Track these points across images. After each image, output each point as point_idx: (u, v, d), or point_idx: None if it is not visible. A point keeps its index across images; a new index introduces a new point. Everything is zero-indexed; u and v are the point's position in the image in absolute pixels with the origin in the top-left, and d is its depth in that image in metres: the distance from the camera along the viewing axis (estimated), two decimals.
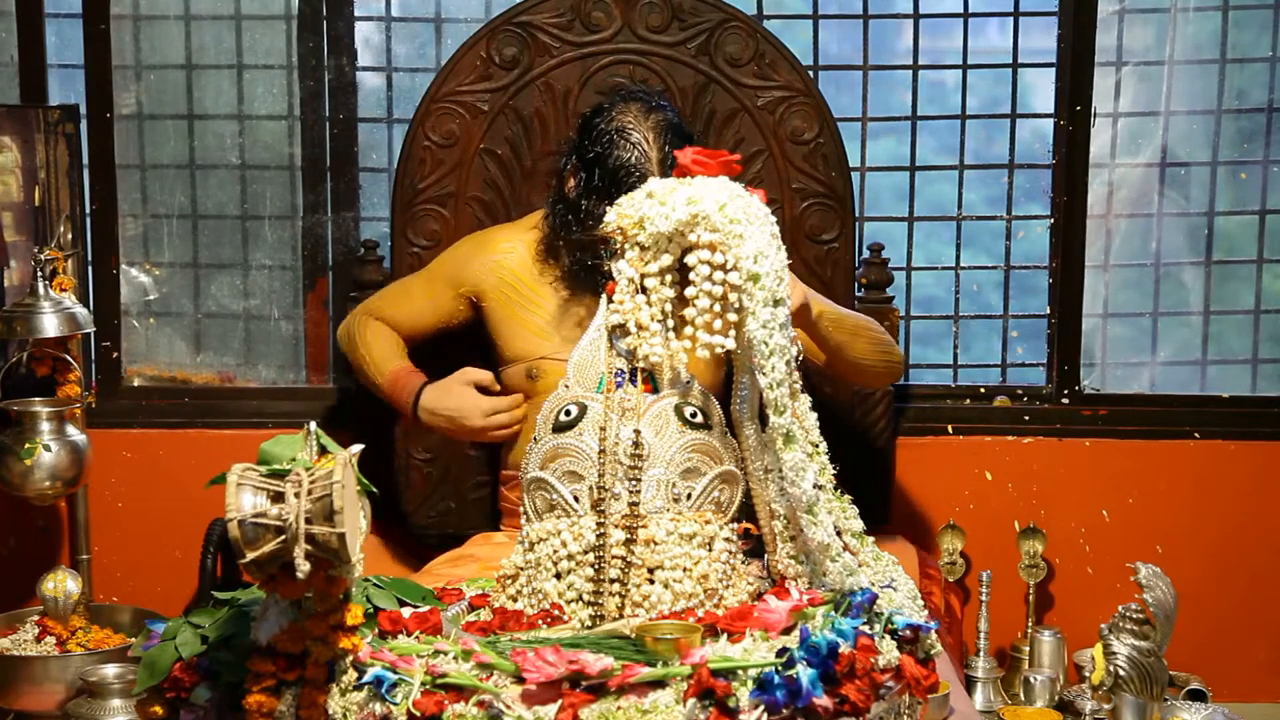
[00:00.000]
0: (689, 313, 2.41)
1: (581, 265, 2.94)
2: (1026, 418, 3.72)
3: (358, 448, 2.09)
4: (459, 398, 3.01)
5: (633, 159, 2.86)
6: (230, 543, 1.96)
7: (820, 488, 2.40)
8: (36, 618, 3.30)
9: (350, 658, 2.11)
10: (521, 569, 2.56)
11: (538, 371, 2.97)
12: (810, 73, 3.52)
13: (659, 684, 2.08)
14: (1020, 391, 3.75)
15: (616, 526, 2.49)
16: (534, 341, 2.99)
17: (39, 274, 3.30)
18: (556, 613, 2.45)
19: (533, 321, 3.00)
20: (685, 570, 2.47)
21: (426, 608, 2.39)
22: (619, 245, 2.50)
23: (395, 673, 2.10)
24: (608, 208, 2.65)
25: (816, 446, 2.47)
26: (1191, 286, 3.83)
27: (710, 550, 2.50)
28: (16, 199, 3.51)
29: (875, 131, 3.76)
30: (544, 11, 3.33)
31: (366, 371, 3.13)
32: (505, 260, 3.05)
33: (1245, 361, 3.85)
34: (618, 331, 2.59)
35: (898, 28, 3.77)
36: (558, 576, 2.49)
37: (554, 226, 2.98)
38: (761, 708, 2.05)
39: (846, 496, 2.57)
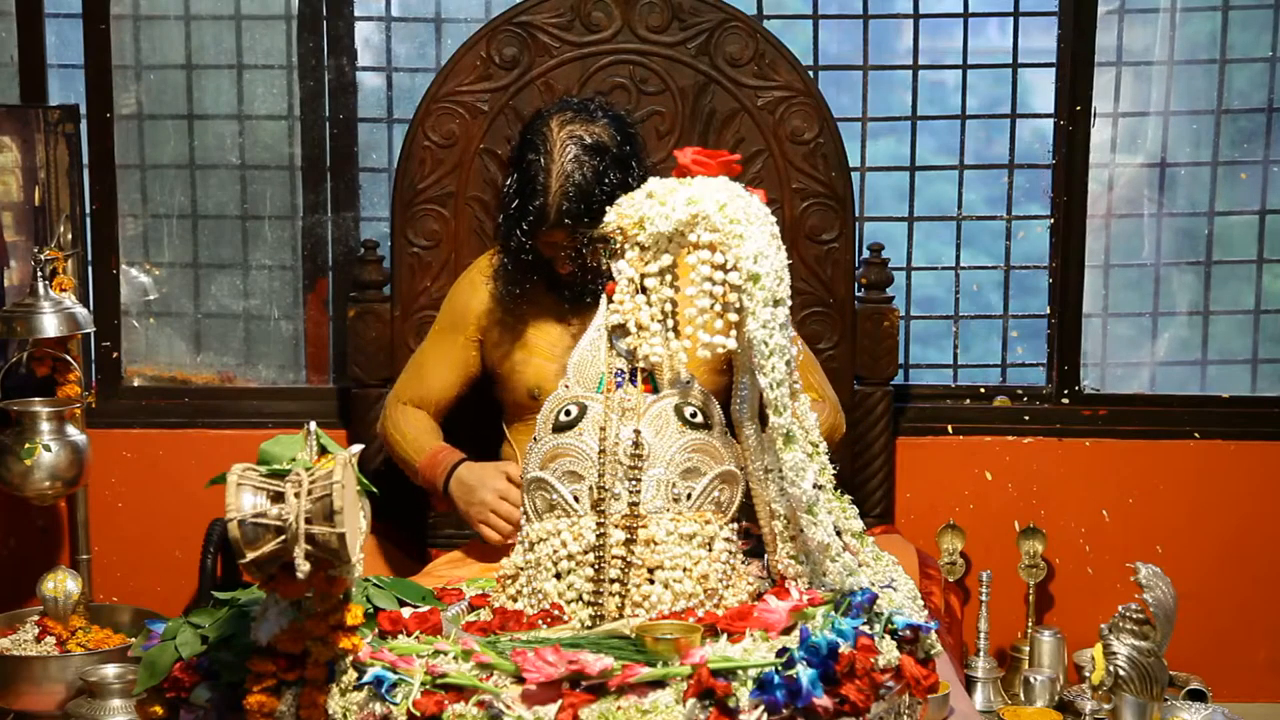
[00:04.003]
0: (689, 313, 2.41)
1: (536, 274, 2.92)
2: (1026, 418, 3.72)
3: (358, 448, 2.10)
4: (486, 473, 2.89)
5: (539, 162, 2.84)
6: (230, 543, 1.96)
7: (820, 488, 2.40)
8: (36, 618, 3.30)
9: (350, 658, 2.12)
10: (521, 569, 2.56)
11: (540, 393, 2.95)
12: (810, 73, 3.52)
13: (659, 684, 2.09)
14: (1020, 391, 3.75)
15: (616, 526, 2.49)
16: (542, 364, 2.96)
17: (39, 274, 3.31)
18: (556, 613, 2.45)
19: (542, 346, 2.96)
20: (685, 570, 2.47)
21: (426, 608, 2.39)
22: (619, 245, 2.50)
23: (395, 673, 2.10)
24: (514, 209, 2.76)
25: (816, 446, 2.47)
26: (1191, 287, 3.83)
27: (710, 550, 2.50)
28: (16, 199, 3.51)
29: (875, 131, 3.76)
30: (544, 11, 3.33)
31: (405, 456, 3.03)
32: (506, 287, 3.02)
33: (1245, 361, 3.85)
34: (618, 331, 2.59)
35: (898, 28, 3.77)
36: (558, 576, 2.49)
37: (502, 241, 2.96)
38: (761, 708, 2.05)
39: (846, 496, 2.57)
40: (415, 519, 3.43)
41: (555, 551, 2.50)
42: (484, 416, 3.10)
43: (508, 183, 2.92)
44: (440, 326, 3.12)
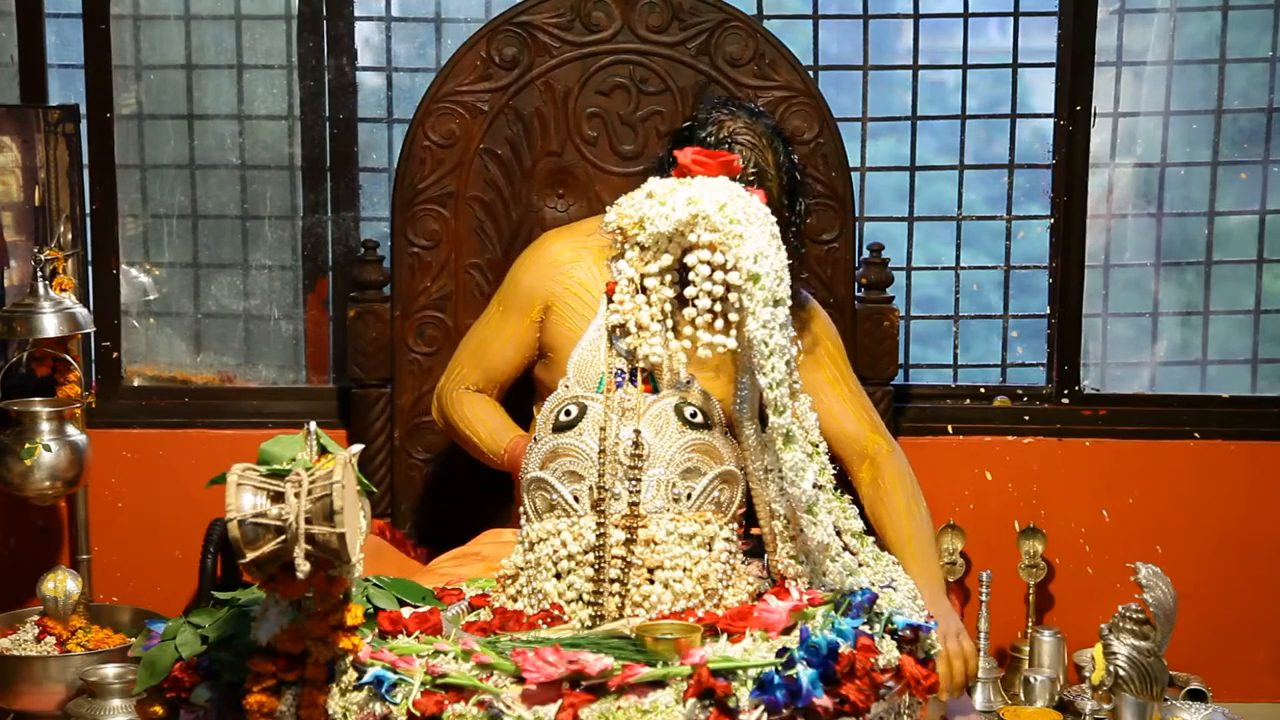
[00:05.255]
0: (689, 313, 2.41)
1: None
2: (1026, 418, 3.72)
3: (358, 448, 2.10)
4: None
5: (752, 161, 2.82)
6: (230, 543, 1.96)
7: (820, 488, 2.40)
8: (36, 618, 3.30)
9: (350, 658, 2.12)
10: (521, 569, 2.56)
11: None
12: (810, 73, 3.52)
13: (659, 684, 2.09)
14: (1020, 391, 3.75)
15: (616, 526, 2.49)
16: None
17: (39, 274, 3.31)
18: (556, 613, 2.45)
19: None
20: (685, 570, 2.47)
21: (426, 608, 2.39)
22: (619, 245, 2.50)
23: (395, 673, 2.10)
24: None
25: (816, 446, 2.48)
26: (1191, 286, 3.83)
27: (710, 550, 2.51)
28: (16, 199, 3.51)
29: (875, 131, 3.76)
30: (544, 11, 3.34)
31: (481, 453, 2.99)
32: (573, 271, 2.96)
33: (1245, 361, 3.85)
34: (618, 331, 2.59)
35: (898, 28, 3.77)
36: (558, 576, 2.49)
37: None
38: (761, 708, 2.05)
39: (846, 496, 2.57)
40: (415, 519, 3.44)
41: (555, 551, 2.50)
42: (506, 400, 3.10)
43: (666, 164, 2.82)
44: (504, 307, 3.04)
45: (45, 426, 3.28)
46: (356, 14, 3.73)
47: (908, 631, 2.24)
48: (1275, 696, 3.73)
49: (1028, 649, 3.55)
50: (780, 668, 2.08)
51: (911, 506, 2.93)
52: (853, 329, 3.42)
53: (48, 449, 3.27)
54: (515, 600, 2.54)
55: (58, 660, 3.17)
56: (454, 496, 3.41)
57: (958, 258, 3.79)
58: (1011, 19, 3.72)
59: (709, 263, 2.39)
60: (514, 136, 3.36)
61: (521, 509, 2.64)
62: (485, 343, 3.06)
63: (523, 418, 3.05)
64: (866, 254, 3.51)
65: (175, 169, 3.78)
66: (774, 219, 2.45)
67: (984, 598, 3.51)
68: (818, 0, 3.72)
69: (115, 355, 3.73)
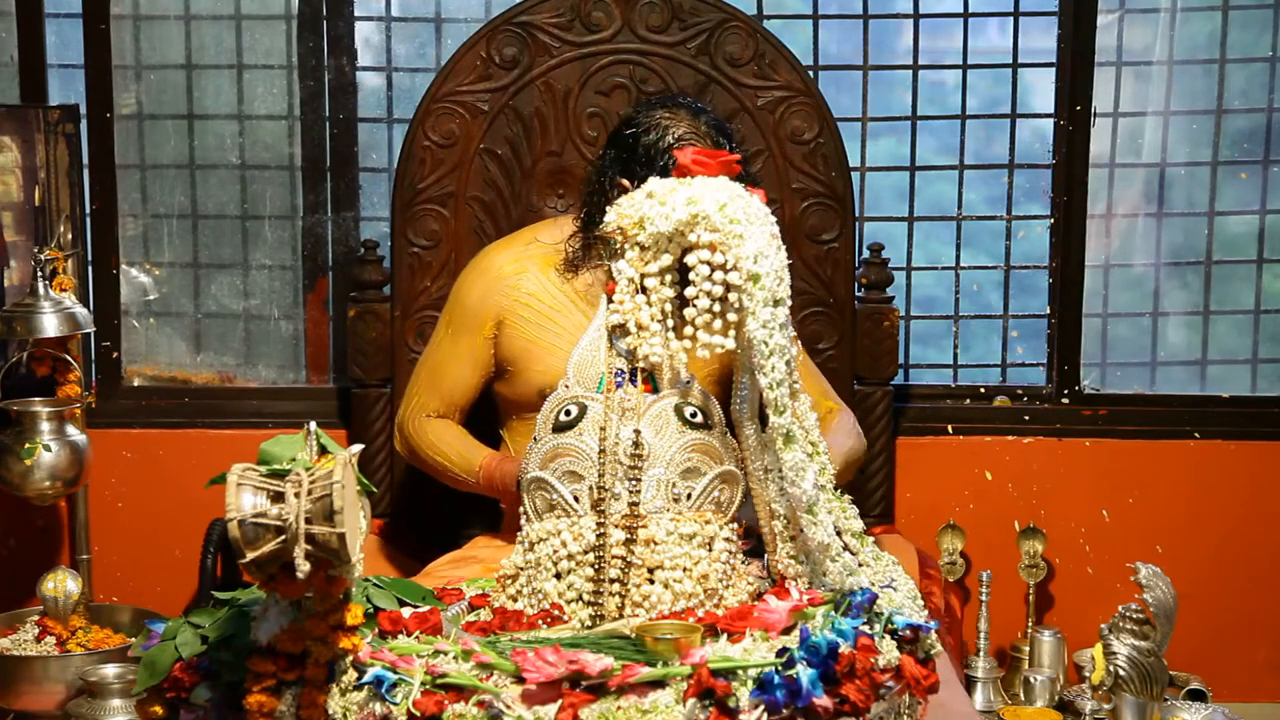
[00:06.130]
0: (689, 313, 2.41)
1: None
2: (1026, 418, 3.72)
3: (358, 448, 2.10)
4: None
5: (672, 136, 2.76)
6: (230, 543, 1.96)
7: (820, 488, 2.40)
8: (36, 618, 3.30)
9: (350, 658, 2.12)
10: (521, 569, 2.56)
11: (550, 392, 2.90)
12: (810, 73, 3.52)
13: (659, 684, 2.09)
14: (1020, 391, 3.75)
15: (616, 526, 2.49)
16: (557, 363, 2.89)
17: (39, 274, 3.31)
18: (556, 613, 2.45)
19: (558, 344, 2.90)
20: (685, 570, 2.47)
21: (426, 608, 2.39)
22: (619, 245, 2.50)
23: (395, 673, 2.10)
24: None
25: (816, 446, 2.48)
26: (1191, 287, 3.83)
27: (710, 550, 2.51)
28: (16, 199, 3.52)
29: (875, 131, 3.76)
30: (544, 11, 3.34)
31: (454, 477, 2.96)
32: (519, 282, 2.92)
33: (1245, 361, 3.85)
34: (618, 331, 2.59)
35: (898, 28, 3.77)
36: (558, 576, 2.49)
37: (589, 244, 2.85)
38: (761, 708, 2.05)
39: (846, 496, 2.57)
40: (415, 519, 3.44)
41: (555, 551, 2.50)
42: (471, 420, 3.09)
43: (617, 183, 2.79)
44: (454, 329, 3.00)
45: (45, 426, 3.28)
46: (356, 14, 3.73)
47: (908, 631, 2.24)
48: (1275, 696, 3.73)
49: (1028, 649, 3.54)
50: (780, 668, 2.08)
51: (846, 443, 2.98)
52: (853, 329, 3.43)
53: (48, 449, 3.27)
54: (515, 600, 2.54)
55: (58, 660, 3.17)
56: (453, 497, 3.40)
57: (958, 258, 3.79)
58: (1011, 19, 3.72)
59: (709, 263, 2.39)
60: (514, 136, 3.36)
61: (522, 509, 2.64)
62: (440, 367, 3.01)
63: (485, 440, 3.02)
64: (866, 254, 3.51)
65: (175, 169, 3.78)
66: (774, 219, 2.45)
67: (984, 598, 3.51)
68: (818, 0, 3.72)
69: (115, 355, 3.73)
